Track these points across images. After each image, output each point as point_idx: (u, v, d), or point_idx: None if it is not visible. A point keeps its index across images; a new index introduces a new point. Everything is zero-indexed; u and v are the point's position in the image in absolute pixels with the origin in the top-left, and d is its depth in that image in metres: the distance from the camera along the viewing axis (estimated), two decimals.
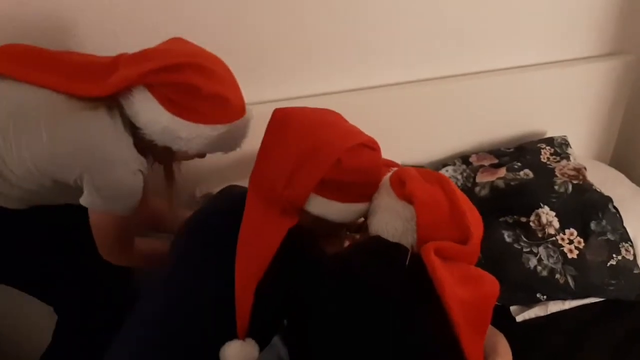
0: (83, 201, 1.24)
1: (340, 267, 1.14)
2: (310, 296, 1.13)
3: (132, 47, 1.30)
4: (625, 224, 1.72)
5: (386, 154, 1.78)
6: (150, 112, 1.23)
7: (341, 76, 1.83)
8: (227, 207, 1.26)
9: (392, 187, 1.20)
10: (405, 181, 1.16)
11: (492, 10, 1.93)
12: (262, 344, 1.14)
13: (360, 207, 1.24)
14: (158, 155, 1.35)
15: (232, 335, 1.09)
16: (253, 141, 1.70)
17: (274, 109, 1.29)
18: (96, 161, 1.21)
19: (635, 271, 1.66)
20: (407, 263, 1.10)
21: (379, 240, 1.18)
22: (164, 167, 1.41)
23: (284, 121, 1.24)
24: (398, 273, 1.10)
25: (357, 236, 1.44)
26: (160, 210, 1.58)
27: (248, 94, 1.70)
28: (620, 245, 1.67)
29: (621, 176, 2.13)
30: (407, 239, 1.13)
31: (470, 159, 2.03)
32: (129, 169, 1.23)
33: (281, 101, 1.74)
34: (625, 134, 2.38)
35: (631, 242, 1.69)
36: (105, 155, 1.21)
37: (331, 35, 1.75)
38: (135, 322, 1.17)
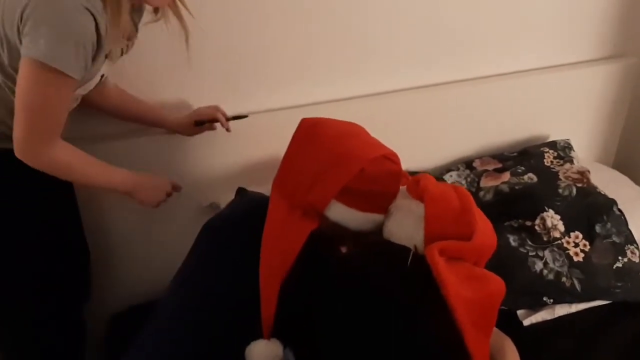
0: (22, 49, 1.06)
1: (343, 269, 1.17)
2: (317, 297, 1.15)
3: None
4: (630, 226, 1.72)
5: None
6: None
7: (345, 84, 1.84)
8: (246, 210, 1.29)
9: (407, 189, 1.25)
10: (419, 180, 1.20)
11: (494, 16, 1.95)
12: (286, 343, 1.16)
13: (376, 217, 1.27)
14: None
15: (252, 335, 1.12)
16: (259, 148, 1.74)
17: (300, 118, 1.32)
18: None
19: None
20: (408, 263, 1.11)
21: (383, 242, 1.20)
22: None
23: (312, 129, 1.28)
24: (401, 274, 1.12)
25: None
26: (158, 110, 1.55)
27: (254, 103, 1.73)
28: (625, 248, 1.67)
29: (625, 178, 2.13)
30: (419, 236, 1.15)
31: (474, 164, 2.03)
32: (68, 2, 1.05)
33: (286, 109, 1.76)
34: (628, 136, 2.39)
35: (636, 244, 1.70)
36: None
37: (334, 43, 1.77)
38: (152, 326, 1.20)
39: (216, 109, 1.60)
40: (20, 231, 1.31)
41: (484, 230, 1.17)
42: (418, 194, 1.20)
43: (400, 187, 1.29)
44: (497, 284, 1.12)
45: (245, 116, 1.64)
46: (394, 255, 1.16)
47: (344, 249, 1.21)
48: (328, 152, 1.22)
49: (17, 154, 1.14)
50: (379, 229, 1.29)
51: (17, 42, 1.08)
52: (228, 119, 1.61)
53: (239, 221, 1.27)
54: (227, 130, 1.61)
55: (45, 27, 1.04)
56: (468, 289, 1.07)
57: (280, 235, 1.18)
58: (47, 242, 1.37)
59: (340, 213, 1.23)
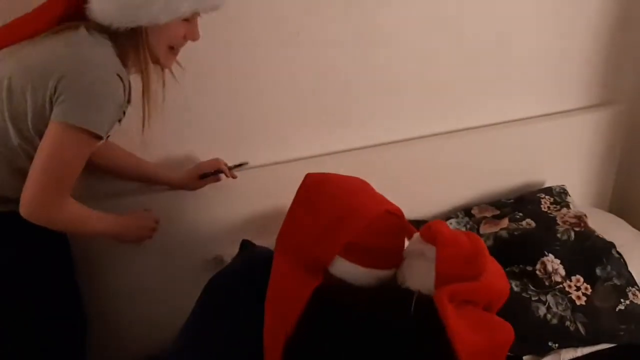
0: (54, 115, 1.14)
1: (346, 320, 1.16)
2: (321, 350, 1.14)
3: None
4: (629, 268, 1.74)
5: None
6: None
7: (344, 136, 1.89)
8: (250, 266, 1.31)
9: (420, 234, 1.25)
10: (431, 225, 1.21)
11: (486, 69, 2.02)
12: None
13: (380, 273, 1.27)
14: (139, 49, 1.24)
15: None
16: (262, 201, 1.76)
17: (301, 170, 1.34)
18: (75, 64, 1.14)
19: None
20: (412, 309, 1.12)
21: (386, 288, 1.21)
22: (140, 55, 1.26)
23: (316, 185, 1.30)
24: (405, 320, 1.12)
25: None
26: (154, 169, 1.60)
27: (256, 157, 1.75)
28: (627, 290, 1.68)
29: (621, 222, 2.15)
30: (431, 279, 1.15)
31: (473, 211, 2.06)
32: (103, 70, 1.15)
33: (287, 162, 1.80)
34: (622, 180, 2.42)
35: (637, 286, 1.70)
36: (80, 57, 1.15)
37: (334, 98, 1.83)
38: None
39: (218, 160, 1.65)
40: (16, 301, 1.31)
41: (494, 272, 1.18)
42: (431, 237, 1.20)
43: (414, 234, 1.30)
44: (505, 330, 1.13)
45: (245, 163, 1.69)
46: (398, 302, 1.16)
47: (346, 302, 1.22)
48: (332, 208, 1.24)
49: (27, 212, 1.17)
50: (381, 283, 1.30)
51: (47, 108, 1.14)
52: (230, 168, 1.66)
53: (244, 277, 1.28)
54: (233, 177, 1.66)
55: (81, 96, 1.14)
56: (476, 334, 1.07)
57: (284, 292, 1.18)
58: (43, 310, 1.36)
59: (344, 269, 1.24)
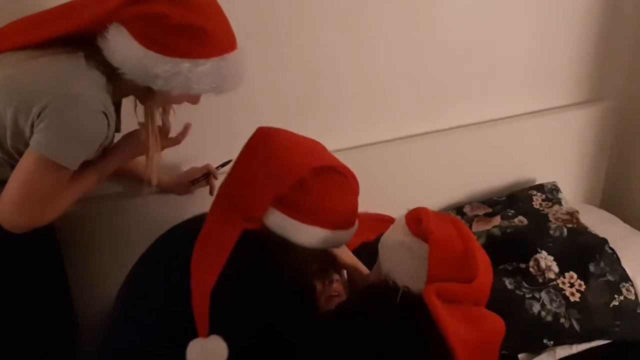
0: (33, 141, 1.11)
1: (336, 315, 1.16)
2: (302, 342, 1.12)
3: None
4: (622, 264, 1.73)
5: (380, 208, 1.82)
6: (125, 48, 1.13)
7: (333, 135, 1.87)
8: (195, 222, 1.25)
9: (407, 225, 1.21)
10: (421, 219, 1.18)
11: (476, 67, 2.02)
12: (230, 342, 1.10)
13: (323, 232, 1.22)
14: (141, 97, 1.26)
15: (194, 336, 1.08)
16: None
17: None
18: (62, 95, 1.10)
19: (638, 310, 1.65)
20: (397, 301, 1.10)
21: (375, 285, 1.20)
22: (144, 109, 1.28)
23: (263, 138, 1.26)
24: (393, 315, 1.10)
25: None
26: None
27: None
28: (620, 286, 1.68)
29: (613, 217, 2.16)
30: (421, 277, 1.13)
31: (464, 210, 2.06)
32: (89, 107, 1.12)
33: None
34: (613, 176, 2.43)
35: (631, 281, 1.70)
36: (69, 89, 1.11)
37: (325, 98, 1.82)
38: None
39: (208, 166, 1.64)
40: (4, 301, 1.29)
41: (485, 270, 1.17)
42: (421, 233, 1.17)
43: (397, 221, 1.27)
44: (495, 323, 1.12)
45: (230, 161, 1.67)
46: (383, 297, 1.15)
47: (319, 284, 1.18)
48: (270, 160, 1.20)
49: (8, 226, 1.14)
50: (327, 247, 1.26)
51: (27, 132, 1.11)
52: (217, 168, 1.66)
53: (183, 230, 1.27)
54: (215, 178, 1.65)
55: (61, 129, 1.11)
56: (468, 328, 1.06)
57: (213, 236, 1.14)
58: (33, 310, 1.34)
59: (279, 222, 1.19)
